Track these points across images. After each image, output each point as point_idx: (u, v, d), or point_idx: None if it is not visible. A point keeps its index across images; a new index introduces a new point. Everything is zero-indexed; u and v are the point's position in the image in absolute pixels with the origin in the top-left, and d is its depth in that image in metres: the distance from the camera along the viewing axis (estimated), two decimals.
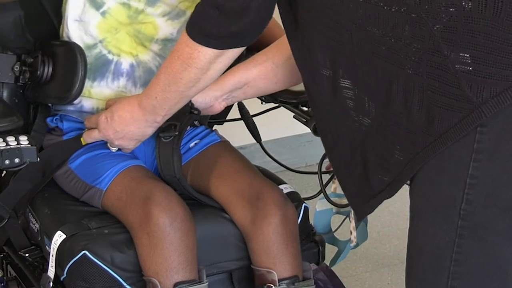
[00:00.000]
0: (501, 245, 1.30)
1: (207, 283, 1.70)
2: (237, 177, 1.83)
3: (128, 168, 1.80)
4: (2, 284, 1.80)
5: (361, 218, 1.50)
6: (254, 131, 2.10)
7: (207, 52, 1.47)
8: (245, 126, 2.10)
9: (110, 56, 1.89)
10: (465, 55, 1.23)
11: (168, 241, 1.66)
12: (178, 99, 1.63)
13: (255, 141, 2.04)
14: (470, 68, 1.22)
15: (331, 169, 1.89)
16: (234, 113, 2.08)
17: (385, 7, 1.27)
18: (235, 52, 1.50)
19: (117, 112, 1.73)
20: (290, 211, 1.79)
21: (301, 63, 1.48)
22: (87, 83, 1.84)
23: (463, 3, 1.23)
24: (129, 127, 1.72)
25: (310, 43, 1.42)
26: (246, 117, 2.08)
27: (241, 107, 2.09)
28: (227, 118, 2.16)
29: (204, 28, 1.44)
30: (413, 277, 1.42)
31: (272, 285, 1.73)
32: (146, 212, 1.67)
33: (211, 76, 1.54)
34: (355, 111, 1.38)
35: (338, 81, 1.38)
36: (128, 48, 1.89)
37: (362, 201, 1.45)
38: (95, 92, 1.89)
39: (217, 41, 1.45)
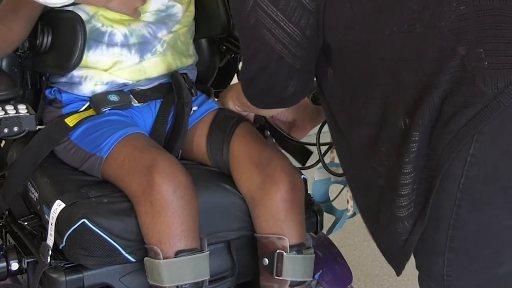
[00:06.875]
0: (498, 216, 1.31)
1: (208, 252, 1.71)
2: (248, 140, 1.85)
3: (128, 135, 1.80)
4: (2, 252, 1.80)
5: (401, 270, 1.43)
6: None
7: None
8: None
9: (103, 28, 1.89)
10: (480, 50, 1.24)
11: (171, 209, 1.67)
12: None
13: None
14: (486, 63, 1.23)
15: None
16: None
17: (414, 30, 1.28)
18: None
19: None
20: (298, 179, 1.81)
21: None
22: None
23: None
24: None
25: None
26: None
27: None
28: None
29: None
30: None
31: (283, 251, 1.74)
32: (150, 180, 1.67)
33: None
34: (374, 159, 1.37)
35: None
36: (119, 18, 1.89)
37: (397, 250, 1.41)
38: (91, 61, 1.89)
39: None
